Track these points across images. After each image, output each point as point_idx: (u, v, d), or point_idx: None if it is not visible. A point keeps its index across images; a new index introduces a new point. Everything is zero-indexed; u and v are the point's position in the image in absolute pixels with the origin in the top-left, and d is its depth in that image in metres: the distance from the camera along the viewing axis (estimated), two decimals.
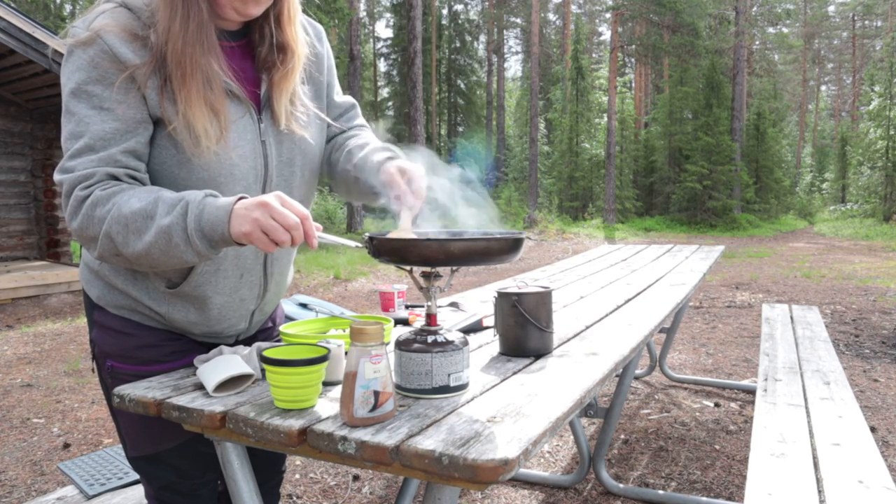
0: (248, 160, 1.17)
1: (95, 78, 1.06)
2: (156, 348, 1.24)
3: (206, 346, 1.30)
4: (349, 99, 1.45)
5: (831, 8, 41.89)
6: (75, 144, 1.06)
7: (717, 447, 3.03)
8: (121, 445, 1.39)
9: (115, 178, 1.07)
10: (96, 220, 1.04)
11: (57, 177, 1.09)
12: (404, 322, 1.67)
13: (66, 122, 1.08)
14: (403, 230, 1.14)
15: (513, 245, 1.05)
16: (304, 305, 1.73)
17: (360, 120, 1.46)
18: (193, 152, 1.10)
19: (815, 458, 1.81)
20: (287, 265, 1.36)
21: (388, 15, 34.70)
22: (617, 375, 2.50)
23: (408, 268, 1.07)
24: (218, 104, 1.10)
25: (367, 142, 1.34)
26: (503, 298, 1.33)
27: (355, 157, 1.29)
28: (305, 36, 1.28)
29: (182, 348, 1.27)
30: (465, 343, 1.07)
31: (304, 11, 1.29)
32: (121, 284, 1.22)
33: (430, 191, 1.18)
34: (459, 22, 34.32)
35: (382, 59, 33.87)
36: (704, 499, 2.49)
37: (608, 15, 31.89)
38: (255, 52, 1.22)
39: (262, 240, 0.99)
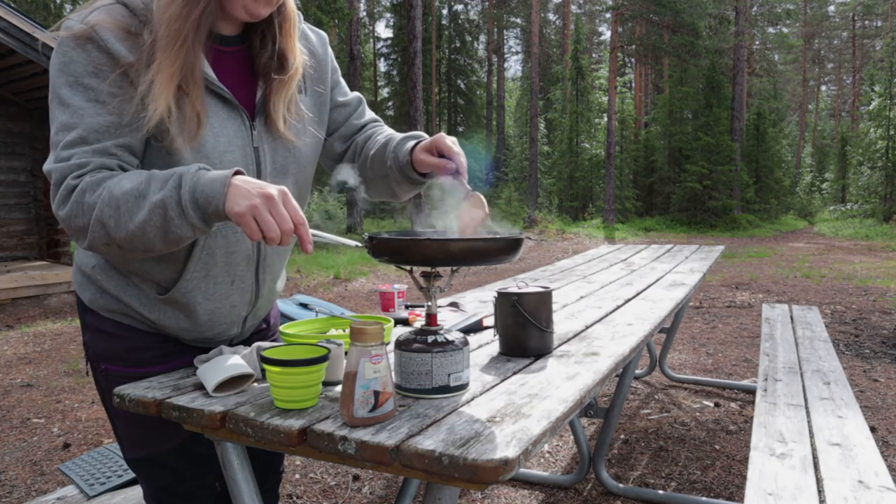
0: (238, 166, 1.15)
1: (91, 71, 1.05)
2: (149, 350, 1.24)
3: (200, 349, 1.29)
4: (356, 94, 1.44)
5: (831, 8, 41.88)
6: (68, 136, 1.04)
7: (717, 447, 3.03)
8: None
9: (109, 168, 1.05)
10: (86, 208, 1.01)
11: (47, 166, 1.05)
12: (404, 322, 1.67)
13: (60, 113, 1.05)
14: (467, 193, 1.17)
15: (513, 245, 1.05)
16: (304, 305, 1.74)
17: (370, 114, 1.46)
18: (170, 147, 1.08)
19: (815, 458, 1.81)
20: (280, 271, 1.35)
21: (388, 15, 34.68)
22: (617, 375, 2.49)
23: (408, 268, 1.07)
24: (192, 97, 1.08)
25: (389, 137, 1.33)
26: (503, 298, 1.33)
27: (388, 160, 1.28)
28: (307, 44, 1.28)
29: (176, 350, 1.26)
30: (465, 343, 1.07)
31: (304, 12, 1.28)
32: (112, 289, 1.21)
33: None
34: (459, 22, 34.29)
35: (382, 59, 33.83)
36: (704, 499, 2.49)
37: (608, 15, 31.92)
38: (253, 58, 1.21)
39: (251, 227, 0.96)
